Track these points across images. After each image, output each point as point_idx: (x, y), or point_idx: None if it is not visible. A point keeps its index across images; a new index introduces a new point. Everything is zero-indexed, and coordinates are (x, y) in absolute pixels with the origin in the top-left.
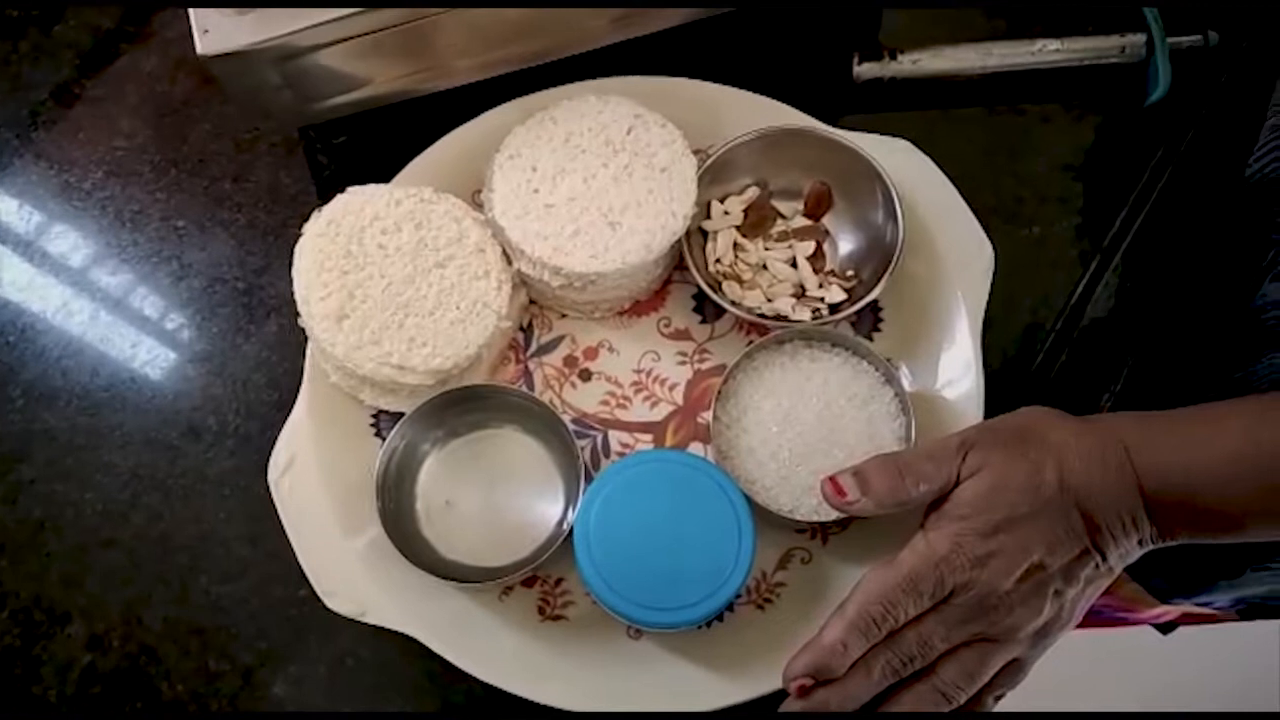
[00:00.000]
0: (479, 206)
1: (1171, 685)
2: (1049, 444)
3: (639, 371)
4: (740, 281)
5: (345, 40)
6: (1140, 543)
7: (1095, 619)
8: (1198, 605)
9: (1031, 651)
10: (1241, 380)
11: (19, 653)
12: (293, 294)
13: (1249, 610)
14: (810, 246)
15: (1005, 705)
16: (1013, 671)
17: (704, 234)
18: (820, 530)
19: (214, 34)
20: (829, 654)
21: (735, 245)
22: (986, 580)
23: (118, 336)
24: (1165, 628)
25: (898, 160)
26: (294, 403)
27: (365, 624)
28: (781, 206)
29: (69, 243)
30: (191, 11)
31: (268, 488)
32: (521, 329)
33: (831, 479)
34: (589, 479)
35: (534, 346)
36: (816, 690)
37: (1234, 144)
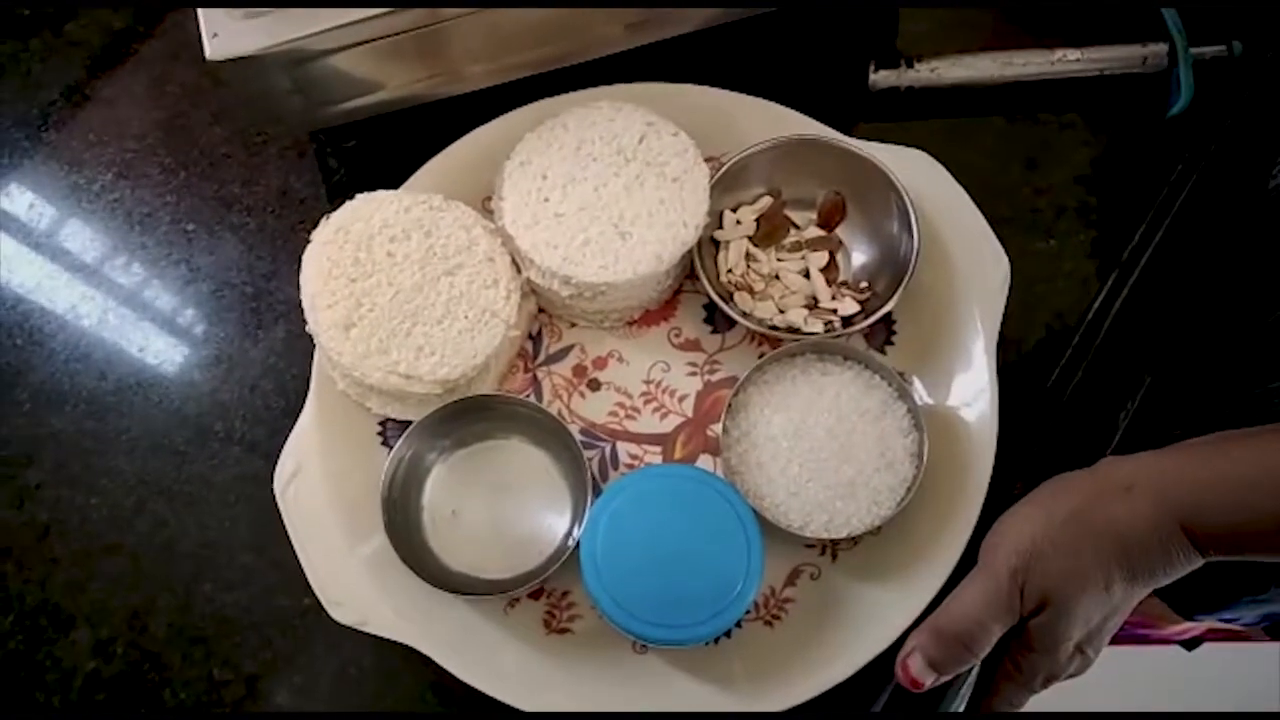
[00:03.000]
0: (489, 213)
1: (1196, 702)
2: (1106, 540)
3: (649, 382)
4: (752, 292)
5: (356, 45)
6: None
7: (1117, 636)
8: (1223, 621)
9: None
10: (1264, 397)
11: (23, 658)
12: (301, 299)
13: (1276, 627)
14: (823, 257)
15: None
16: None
17: (716, 244)
18: (830, 546)
19: (223, 38)
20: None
21: (747, 255)
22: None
23: (126, 340)
24: (1190, 644)
25: (913, 170)
26: (301, 409)
27: (369, 634)
28: (795, 216)
29: (78, 244)
30: (200, 15)
31: (273, 495)
32: (530, 337)
33: (907, 672)
34: (597, 491)
35: (543, 355)
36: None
37: (1258, 156)
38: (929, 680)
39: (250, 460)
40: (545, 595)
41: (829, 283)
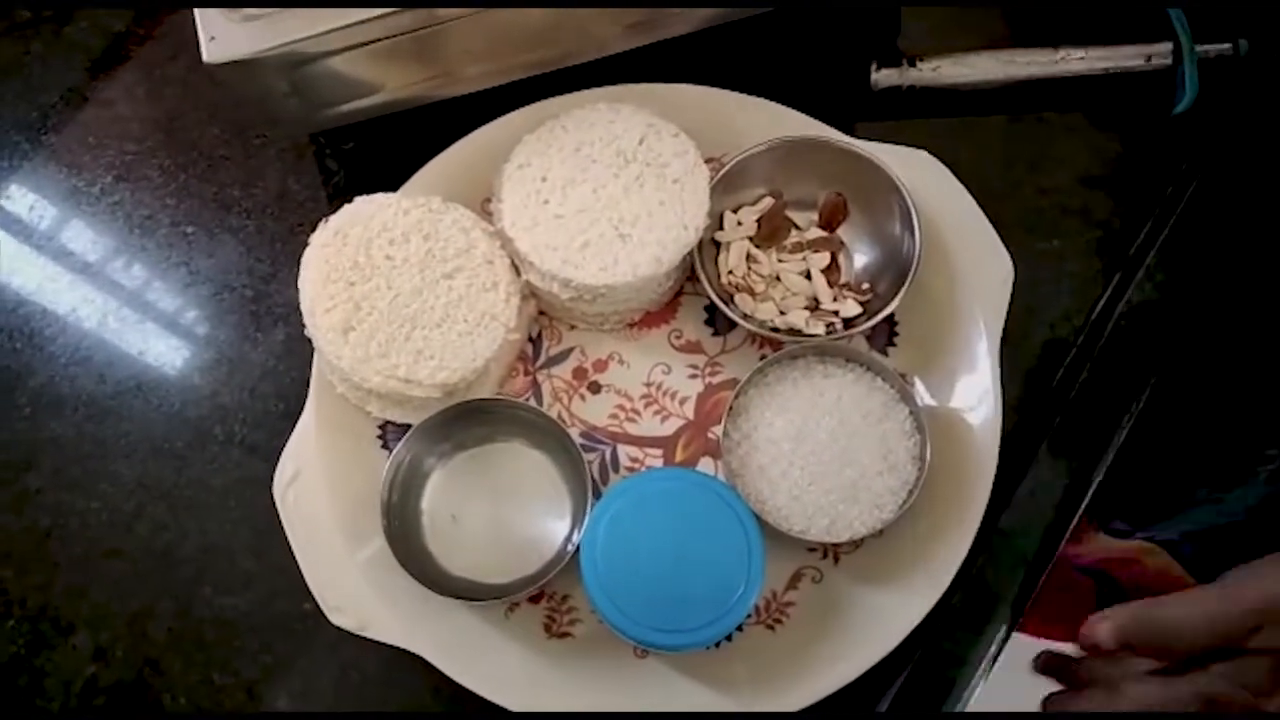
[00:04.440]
0: (488, 215)
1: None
2: None
3: (649, 385)
4: (753, 294)
5: (355, 47)
6: None
7: None
8: (1143, 538)
9: None
10: (1270, 401)
11: (23, 663)
12: (300, 302)
13: (1196, 554)
14: (825, 259)
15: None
16: None
17: (716, 245)
18: (832, 549)
19: (220, 41)
20: None
21: (748, 257)
22: None
23: (125, 343)
24: None
25: (915, 171)
26: (301, 412)
27: (369, 639)
28: (796, 217)
29: (78, 247)
30: (198, 18)
31: (273, 499)
32: (530, 340)
33: (1090, 630)
34: (597, 495)
35: (543, 358)
36: None
37: (1263, 155)
38: (1110, 644)
39: (250, 463)
40: (545, 599)
41: (830, 284)
